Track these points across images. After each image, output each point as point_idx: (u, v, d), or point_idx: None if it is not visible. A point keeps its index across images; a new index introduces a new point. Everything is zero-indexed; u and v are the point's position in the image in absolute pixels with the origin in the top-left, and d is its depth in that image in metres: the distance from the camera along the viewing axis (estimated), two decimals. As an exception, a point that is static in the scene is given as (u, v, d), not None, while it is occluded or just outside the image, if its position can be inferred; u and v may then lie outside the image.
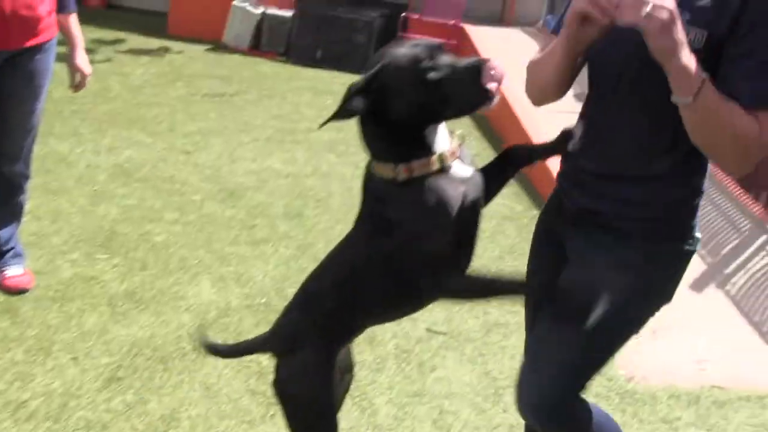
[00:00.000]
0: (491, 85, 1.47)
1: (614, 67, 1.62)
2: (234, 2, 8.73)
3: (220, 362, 2.85)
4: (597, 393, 2.95)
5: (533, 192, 5.15)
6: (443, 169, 1.58)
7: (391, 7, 8.75)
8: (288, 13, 8.61)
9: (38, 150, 4.75)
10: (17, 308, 3.09)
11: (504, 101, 6.53)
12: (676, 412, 2.86)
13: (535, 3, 10.12)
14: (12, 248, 3.25)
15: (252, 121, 6.10)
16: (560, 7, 9.64)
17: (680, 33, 1.39)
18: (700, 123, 1.48)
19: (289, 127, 6.06)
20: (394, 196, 1.59)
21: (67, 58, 3.15)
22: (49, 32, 2.97)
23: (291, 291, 3.39)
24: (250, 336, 3.02)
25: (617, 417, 2.38)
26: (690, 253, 1.70)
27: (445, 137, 1.61)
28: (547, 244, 1.91)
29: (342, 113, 1.54)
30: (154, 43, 8.49)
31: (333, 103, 6.90)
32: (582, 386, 1.76)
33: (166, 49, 8.28)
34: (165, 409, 2.57)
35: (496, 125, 6.70)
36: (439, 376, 2.95)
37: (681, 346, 3.34)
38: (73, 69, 3.16)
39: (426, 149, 1.57)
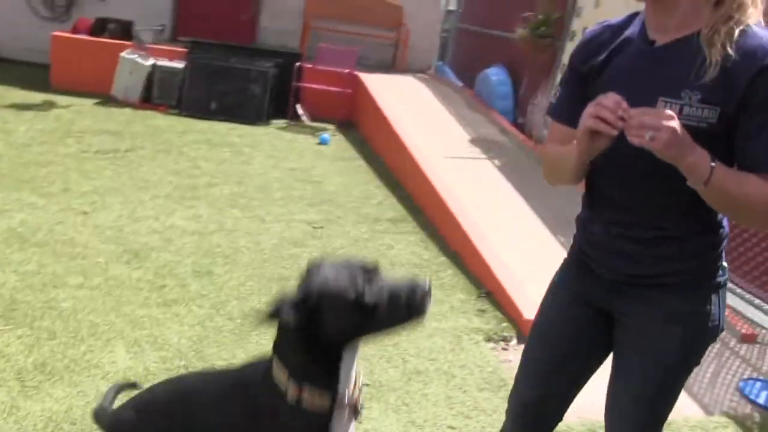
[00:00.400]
0: (424, 305, 1.62)
1: (629, 154, 1.68)
2: (122, 54, 8.59)
3: None
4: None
5: (439, 239, 5.33)
6: (330, 411, 1.65)
7: (285, 57, 8.89)
8: (179, 65, 8.56)
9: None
10: None
11: (402, 147, 6.75)
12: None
13: (426, 51, 10.55)
14: None
15: (150, 177, 6.01)
16: (448, 54, 10.06)
17: (685, 142, 1.56)
18: (715, 199, 1.66)
19: (189, 182, 6.01)
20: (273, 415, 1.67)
21: None
22: None
23: (210, 351, 3.43)
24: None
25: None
26: (726, 282, 1.87)
27: (352, 375, 1.68)
28: (577, 307, 1.99)
29: (271, 318, 1.62)
30: (38, 97, 8.23)
31: (231, 155, 6.95)
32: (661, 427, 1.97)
33: (52, 104, 8.04)
34: (91, 486, 2.49)
35: (396, 172, 6.89)
36: (366, 427, 3.00)
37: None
38: None
39: (329, 379, 1.65)
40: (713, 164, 1.59)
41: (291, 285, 4.13)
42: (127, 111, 8.20)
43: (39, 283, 3.94)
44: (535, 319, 2.12)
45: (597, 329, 1.96)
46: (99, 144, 6.79)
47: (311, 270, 1.65)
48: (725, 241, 1.86)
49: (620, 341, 1.92)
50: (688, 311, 1.82)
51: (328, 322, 1.59)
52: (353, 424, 1.72)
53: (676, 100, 1.65)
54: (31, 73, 9.10)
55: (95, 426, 2.75)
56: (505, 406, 3.24)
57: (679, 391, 1.94)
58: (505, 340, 3.98)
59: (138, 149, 6.78)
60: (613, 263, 1.86)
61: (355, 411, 1.72)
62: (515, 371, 3.57)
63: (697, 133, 1.60)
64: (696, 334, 1.84)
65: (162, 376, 3.16)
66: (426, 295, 1.64)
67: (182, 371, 3.23)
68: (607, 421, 2.01)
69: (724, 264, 1.87)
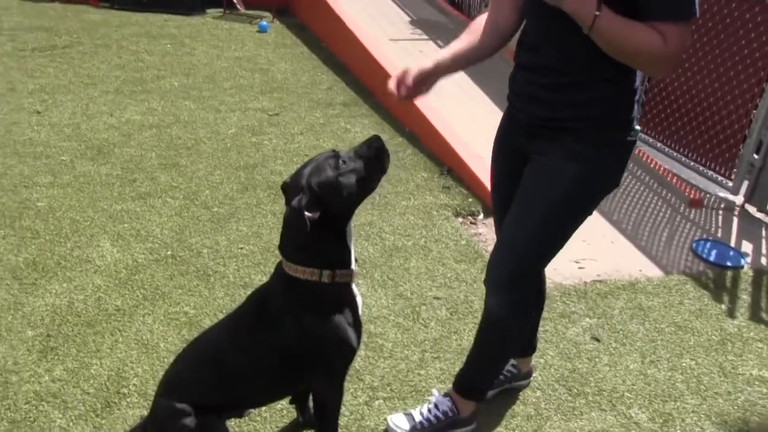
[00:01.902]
0: (383, 157, 1.97)
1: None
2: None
3: (148, 318, 2.91)
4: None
5: (394, 121, 5.42)
6: (350, 283, 2.01)
7: (214, -58, 8.48)
8: (106, -45, 8.13)
9: None
10: None
11: (347, 32, 6.69)
12: (570, 307, 3.30)
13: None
14: None
15: (95, 73, 5.85)
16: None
17: None
18: (605, 44, 1.80)
19: (136, 76, 5.88)
20: (318, 296, 1.96)
21: None
22: None
23: (193, 240, 3.54)
24: (167, 290, 3.11)
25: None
26: (632, 143, 2.04)
27: (353, 258, 2.01)
28: (505, 153, 2.24)
29: (303, 227, 1.84)
30: (-44, -6, 7.75)
31: (172, 47, 6.78)
32: (540, 262, 2.15)
33: (-28, 1, 7.59)
34: (109, 370, 2.61)
35: (342, 56, 6.86)
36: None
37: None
38: None
39: (346, 260, 1.98)
40: (598, 12, 1.74)
41: (258, 173, 4.23)
42: (57, 6, 7.82)
43: (9, 184, 3.91)
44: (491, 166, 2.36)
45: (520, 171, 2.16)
46: (34, 41, 6.51)
47: (299, 176, 1.91)
48: (636, 97, 2.01)
49: (525, 174, 2.12)
50: (583, 153, 2.00)
51: (335, 202, 1.89)
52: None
53: None
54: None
55: (99, 317, 2.89)
56: (482, 276, 3.50)
57: (562, 234, 2.11)
58: (473, 214, 4.18)
59: (76, 45, 6.53)
60: (527, 108, 2.06)
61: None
62: (487, 244, 3.86)
63: None
64: (588, 178, 2.03)
65: (152, 267, 3.27)
66: (379, 140, 1.98)
67: (170, 261, 3.33)
68: (495, 246, 2.20)
69: (636, 126, 2.04)
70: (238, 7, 8.34)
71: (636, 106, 2.02)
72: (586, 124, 1.98)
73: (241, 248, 3.46)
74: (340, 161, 1.91)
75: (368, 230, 3.82)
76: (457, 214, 4.15)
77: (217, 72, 6.21)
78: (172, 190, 4.03)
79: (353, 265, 2.01)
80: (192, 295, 3.09)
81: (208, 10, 8.24)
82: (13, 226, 3.50)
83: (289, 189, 1.93)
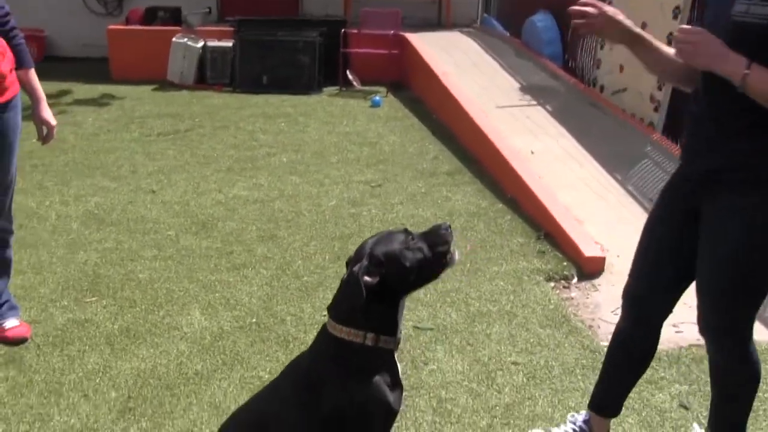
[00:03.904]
0: (452, 250, 1.97)
1: None
2: (174, 39, 8.84)
3: (224, 381, 2.99)
4: (583, 365, 3.17)
5: (496, 188, 5.39)
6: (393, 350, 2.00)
7: (330, 25, 8.97)
8: (229, 44, 8.76)
9: (6, 207, 4.88)
10: (21, 357, 3.18)
11: (454, 101, 6.80)
12: (659, 373, 3.08)
13: (469, 4, 10.49)
14: (6, 301, 3.34)
15: (210, 153, 6.24)
16: (493, 5, 9.96)
17: (713, 52, 1.92)
18: (760, 97, 1.89)
19: (248, 154, 6.21)
20: (359, 358, 1.94)
21: (32, 113, 3.26)
22: (12, 89, 3.09)
23: (279, 308, 3.62)
24: (247, 356, 3.19)
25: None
26: None
27: (402, 325, 2.01)
28: (671, 205, 2.28)
29: (359, 291, 1.86)
30: (100, 89, 8.56)
31: (286, 126, 7.13)
32: (751, 313, 2.18)
33: (113, 95, 8.35)
34: (180, 430, 2.69)
35: (449, 126, 6.94)
36: (432, 368, 3.12)
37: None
38: (40, 122, 3.29)
39: (392, 330, 1.97)
40: (747, 71, 1.84)
41: (353, 242, 4.31)
42: (185, 93, 8.46)
43: (117, 258, 4.19)
44: (648, 217, 2.38)
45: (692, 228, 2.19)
46: (160, 127, 7.05)
47: (363, 246, 1.95)
48: None
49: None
50: (762, 202, 2.02)
51: (395, 273, 1.91)
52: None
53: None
54: (92, 68, 9.45)
55: (178, 380, 3.00)
56: (567, 341, 3.35)
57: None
58: (567, 278, 4.04)
59: (197, 128, 7.01)
60: (700, 159, 2.13)
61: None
62: (577, 308, 3.70)
63: (763, 29, 1.85)
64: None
65: (236, 334, 3.37)
66: (448, 228, 1.99)
67: (253, 327, 3.42)
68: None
69: None
70: (354, 84, 8.68)
71: None
72: (750, 174, 2.02)
73: (324, 315, 3.49)
74: (409, 237, 1.96)
75: (453, 296, 3.76)
76: (549, 279, 4.02)
77: (326, 147, 6.45)
78: (266, 260, 4.17)
79: (399, 334, 2.01)
80: (270, 360, 3.15)
81: (325, 89, 8.63)
82: (114, 297, 3.73)
83: (353, 260, 1.97)
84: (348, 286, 1.93)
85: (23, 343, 3.28)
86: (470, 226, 4.73)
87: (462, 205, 5.11)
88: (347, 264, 2.00)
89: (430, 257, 1.95)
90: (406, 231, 1.99)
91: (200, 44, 8.81)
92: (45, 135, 3.34)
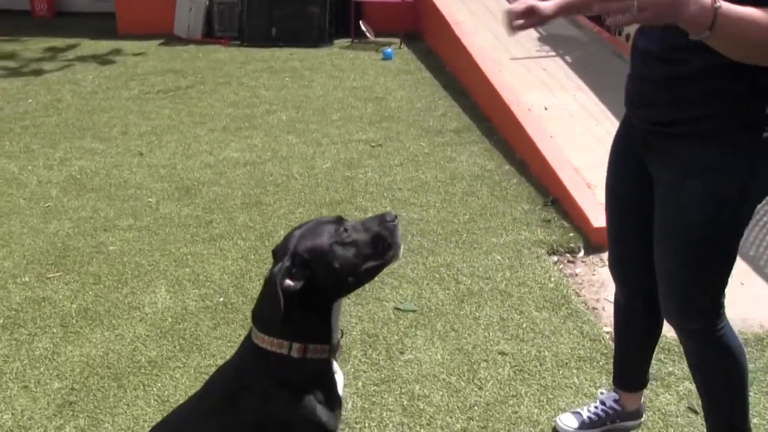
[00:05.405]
0: (396, 245, 1.65)
1: None
2: (178, -9, 8.49)
3: (177, 371, 2.74)
4: (579, 356, 2.85)
5: (505, 148, 5.00)
6: (329, 360, 1.70)
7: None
8: (236, -5, 8.39)
9: (-12, 172, 4.67)
10: (-32, 341, 2.97)
11: (465, 53, 6.37)
12: (667, 366, 2.75)
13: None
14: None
15: (208, 112, 5.93)
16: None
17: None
18: (726, 47, 1.48)
19: (247, 112, 5.89)
20: (287, 372, 1.66)
21: None
22: None
23: (250, 285, 3.32)
24: (207, 341, 2.92)
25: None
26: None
27: (338, 326, 1.73)
28: (623, 161, 1.98)
29: (277, 300, 1.55)
30: (106, 45, 8.28)
31: (291, 81, 6.77)
32: (711, 296, 1.86)
33: (118, 50, 8.06)
34: (119, 429, 2.45)
35: (461, 80, 6.53)
36: (408, 358, 2.82)
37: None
38: None
39: (324, 337, 1.68)
40: (716, 6, 1.40)
41: (342, 209, 3.99)
42: (191, 48, 8.13)
43: (91, 228, 3.95)
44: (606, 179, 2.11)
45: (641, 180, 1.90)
46: (161, 84, 6.75)
47: (290, 237, 1.66)
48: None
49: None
50: (720, 167, 1.68)
51: (323, 275, 1.61)
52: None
53: None
54: (100, 24, 9.16)
55: (129, 369, 2.75)
56: (565, 327, 3.01)
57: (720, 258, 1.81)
58: (572, 251, 3.68)
59: (198, 85, 6.70)
60: (647, 111, 1.78)
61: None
62: (581, 287, 3.35)
63: None
64: (716, 194, 1.70)
65: (200, 315, 3.10)
66: (394, 219, 1.67)
67: (219, 308, 3.15)
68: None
69: None
70: (368, 35, 8.25)
71: None
72: (707, 127, 1.65)
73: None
74: (341, 229, 1.64)
75: (443, 272, 3.44)
76: (552, 252, 3.67)
77: (330, 104, 6.09)
78: (246, 230, 3.88)
79: (335, 340, 1.71)
80: (231, 346, 2.88)
81: (337, 41, 8.22)
82: (80, 272, 3.49)
83: (278, 253, 1.66)
84: (267, 290, 1.63)
85: (-27, 324, 3.07)
86: (472, 190, 4.37)
87: (466, 167, 4.74)
88: (273, 255, 1.69)
89: (367, 254, 1.64)
90: (338, 220, 1.68)
91: (207, -4, 8.44)
92: None
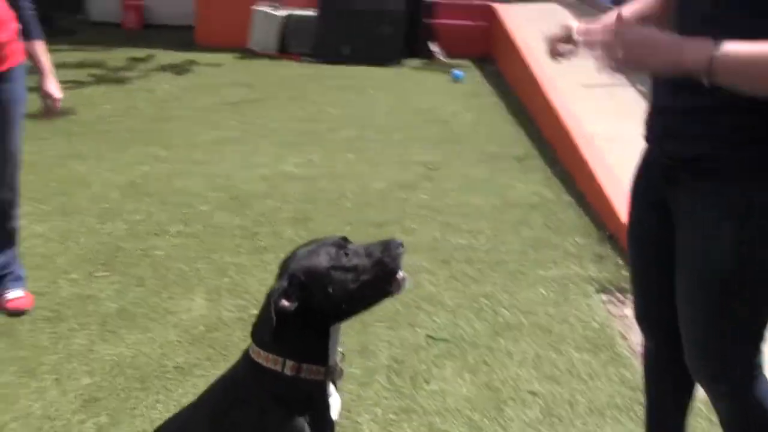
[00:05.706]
0: (400, 274, 1.61)
1: None
2: (254, 7, 8.68)
3: (201, 379, 2.73)
4: (617, 405, 2.71)
5: (566, 177, 4.88)
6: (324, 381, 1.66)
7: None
8: (312, 12, 8.51)
9: (58, 173, 4.85)
10: (15, 330, 3.05)
11: (533, 79, 6.28)
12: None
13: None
14: (11, 272, 3.23)
15: (272, 125, 6.03)
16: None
17: (663, 52, 1.40)
18: (732, 83, 1.39)
19: (310, 128, 5.95)
20: (279, 389, 1.63)
21: (38, 85, 3.11)
22: (12, 59, 2.92)
23: (287, 300, 3.30)
24: (236, 351, 2.91)
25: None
26: None
27: (338, 348, 1.69)
28: (645, 203, 1.87)
29: (271, 318, 1.55)
30: (183, 56, 8.54)
31: (357, 99, 6.81)
32: (743, 351, 1.69)
33: (194, 62, 8.30)
34: (135, 431, 2.46)
35: (528, 106, 6.44)
36: (433, 389, 2.72)
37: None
38: (43, 95, 3.13)
39: (320, 358, 1.65)
40: (713, 51, 1.33)
41: (389, 231, 3.96)
42: (265, 62, 8.31)
43: (143, 231, 4.03)
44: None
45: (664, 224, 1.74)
46: (231, 96, 6.91)
47: (292, 257, 1.65)
48: None
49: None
50: (746, 211, 1.54)
51: (319, 298, 1.59)
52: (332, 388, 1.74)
53: None
54: (180, 36, 9.47)
55: (155, 373, 2.77)
56: (605, 372, 2.87)
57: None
58: (623, 291, 3.51)
59: (268, 99, 6.83)
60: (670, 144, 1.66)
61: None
62: (629, 330, 3.21)
63: None
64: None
65: (232, 325, 3.12)
66: (399, 247, 1.62)
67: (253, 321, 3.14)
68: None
69: None
70: (439, 57, 8.24)
71: None
72: (731, 163, 1.53)
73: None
74: (343, 252, 1.61)
75: (482, 302, 3.35)
76: (602, 290, 3.52)
77: (393, 123, 6.10)
78: (291, 245, 3.76)
79: (333, 361, 1.68)
80: (259, 359, 2.87)
81: (407, 61, 8.24)
82: (125, 273, 3.56)
83: (280, 270, 1.66)
84: (265, 309, 1.62)
85: (21, 315, 3.15)
86: (526, 219, 4.27)
87: (523, 195, 4.64)
88: (280, 268, 1.67)
89: (367, 280, 1.60)
90: (340, 243, 1.63)
91: (283, 13, 8.61)
92: (47, 109, 3.17)
